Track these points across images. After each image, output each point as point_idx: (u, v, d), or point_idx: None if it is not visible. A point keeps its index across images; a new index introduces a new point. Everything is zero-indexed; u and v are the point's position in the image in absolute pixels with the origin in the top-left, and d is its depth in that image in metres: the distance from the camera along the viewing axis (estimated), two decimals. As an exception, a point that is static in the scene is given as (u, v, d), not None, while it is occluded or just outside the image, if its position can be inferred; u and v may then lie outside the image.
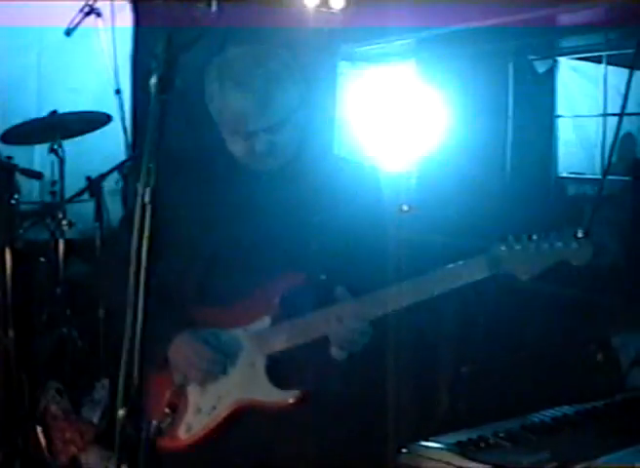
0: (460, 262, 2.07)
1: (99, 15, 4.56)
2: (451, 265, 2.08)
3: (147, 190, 1.63)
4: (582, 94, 8.02)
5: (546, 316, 3.77)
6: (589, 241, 1.97)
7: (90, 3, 4.57)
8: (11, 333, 3.79)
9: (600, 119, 7.49)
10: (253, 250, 2.26)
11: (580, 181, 7.67)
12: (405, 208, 7.64)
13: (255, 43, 2.28)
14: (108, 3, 4.77)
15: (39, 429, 3.75)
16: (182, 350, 2.24)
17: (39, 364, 4.16)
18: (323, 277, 2.22)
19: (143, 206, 1.64)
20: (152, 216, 1.63)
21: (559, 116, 7.78)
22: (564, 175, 7.82)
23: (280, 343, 2.20)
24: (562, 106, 7.87)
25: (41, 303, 4.64)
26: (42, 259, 4.72)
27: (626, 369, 2.26)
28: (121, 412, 1.57)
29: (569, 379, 3.05)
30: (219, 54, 2.25)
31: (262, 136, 2.19)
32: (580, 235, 1.96)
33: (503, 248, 2.02)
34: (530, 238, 2.00)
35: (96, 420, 3.84)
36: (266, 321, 2.22)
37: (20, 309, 4.10)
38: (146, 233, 1.62)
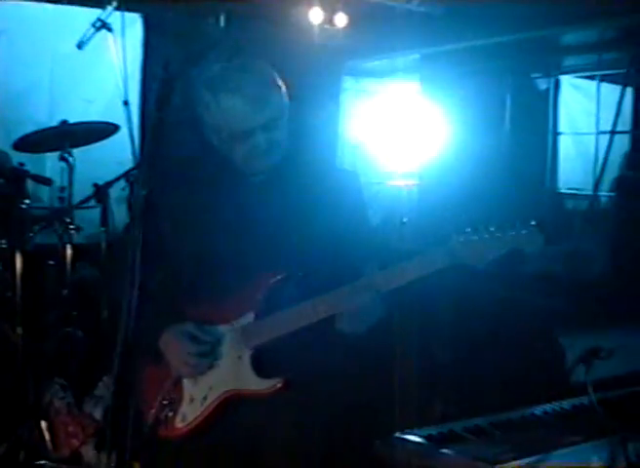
0: (423, 254, 2.20)
1: (109, 30, 4.71)
2: (417, 256, 2.20)
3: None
4: (584, 111, 8.13)
5: (504, 318, 3.92)
6: (540, 228, 2.07)
7: (102, 18, 4.72)
8: (19, 331, 3.96)
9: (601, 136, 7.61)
10: (240, 250, 2.43)
11: (578, 197, 7.79)
12: (405, 220, 7.82)
13: (242, 58, 2.49)
14: (119, 15, 4.90)
15: (43, 423, 3.89)
16: (170, 346, 2.40)
17: (45, 361, 4.29)
18: (300, 274, 2.37)
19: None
20: (145, 224, 1.82)
21: (560, 133, 7.92)
22: (563, 190, 7.95)
23: (264, 335, 2.36)
24: (564, 123, 8.00)
25: (49, 304, 4.77)
26: (51, 262, 4.86)
27: (571, 366, 2.42)
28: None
29: (518, 374, 3.22)
30: (203, 71, 2.45)
31: (260, 134, 2.36)
32: (532, 223, 2.06)
33: (461, 238, 2.13)
34: (486, 229, 2.10)
35: (97, 415, 3.98)
36: (251, 316, 2.38)
37: (28, 309, 4.26)
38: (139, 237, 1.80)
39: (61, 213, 4.66)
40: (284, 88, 2.44)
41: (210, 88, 2.39)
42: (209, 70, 2.44)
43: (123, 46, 4.89)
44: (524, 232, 2.09)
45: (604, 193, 6.17)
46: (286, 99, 2.44)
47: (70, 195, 4.75)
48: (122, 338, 1.87)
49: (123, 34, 4.92)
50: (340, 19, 6.43)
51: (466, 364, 3.90)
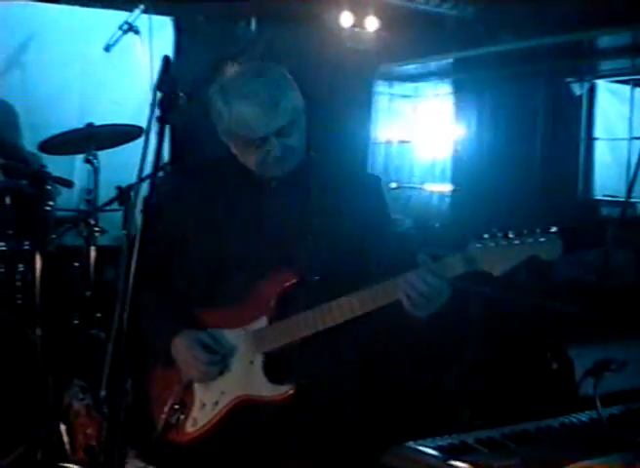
0: (440, 260, 2.16)
1: (136, 32, 4.73)
2: (433, 262, 2.16)
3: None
4: (620, 116, 8.02)
5: (510, 325, 3.87)
6: (558, 236, 2.02)
7: (129, 21, 4.74)
8: (38, 331, 3.98)
9: (635, 141, 7.50)
10: (255, 254, 2.42)
11: (613, 204, 7.68)
12: (437, 225, 7.78)
13: (255, 63, 2.45)
14: (147, 18, 4.92)
15: (62, 426, 3.90)
16: (181, 352, 2.40)
17: (67, 363, 4.30)
18: (316, 278, 2.36)
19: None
20: (145, 226, 1.81)
21: (594, 138, 7.82)
22: (599, 197, 7.84)
23: (277, 340, 2.34)
24: (600, 128, 7.89)
25: (73, 306, 4.78)
26: (76, 264, 4.88)
27: (580, 378, 2.36)
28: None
29: (525, 386, 3.15)
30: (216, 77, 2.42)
31: (274, 140, 2.33)
32: (552, 230, 2.02)
33: (479, 245, 2.09)
34: (505, 236, 2.06)
35: (117, 418, 3.97)
36: (264, 321, 2.37)
37: (52, 310, 4.28)
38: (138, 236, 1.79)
39: (86, 215, 4.67)
40: (299, 90, 2.40)
41: (223, 94, 2.36)
42: (222, 76, 2.41)
43: (151, 48, 4.90)
44: (543, 240, 2.04)
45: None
46: (301, 102, 2.40)
47: (96, 197, 4.74)
48: (114, 339, 1.86)
49: (151, 37, 4.94)
50: (371, 23, 6.44)
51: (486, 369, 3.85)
